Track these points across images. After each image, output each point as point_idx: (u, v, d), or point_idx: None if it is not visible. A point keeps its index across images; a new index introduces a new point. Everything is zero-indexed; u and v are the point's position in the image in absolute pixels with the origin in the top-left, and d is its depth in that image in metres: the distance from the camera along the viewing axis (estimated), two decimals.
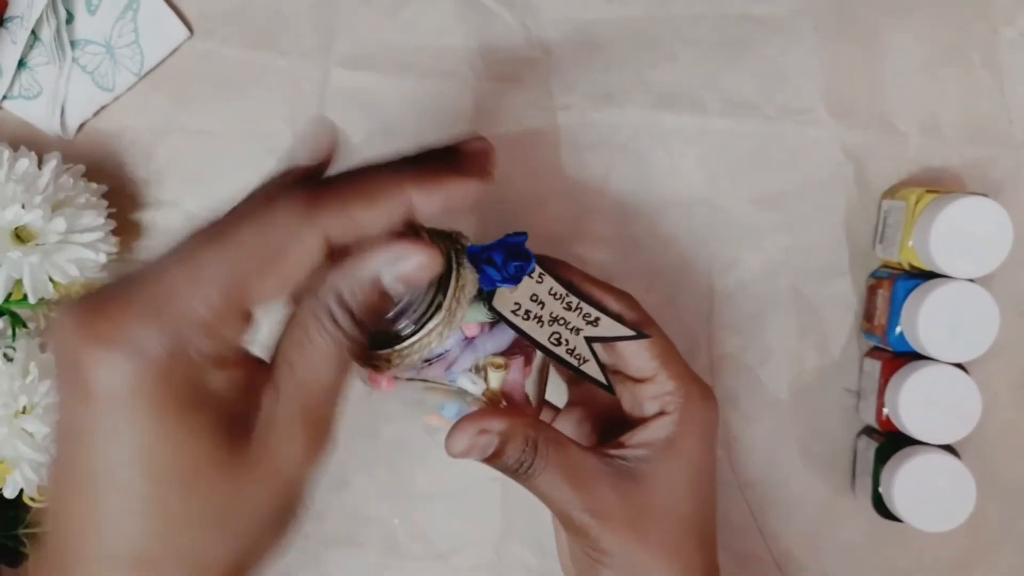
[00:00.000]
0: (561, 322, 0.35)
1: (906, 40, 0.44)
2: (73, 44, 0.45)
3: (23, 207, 0.39)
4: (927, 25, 0.44)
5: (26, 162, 0.41)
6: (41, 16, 0.44)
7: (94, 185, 0.43)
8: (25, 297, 0.41)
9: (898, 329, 0.42)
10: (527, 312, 0.35)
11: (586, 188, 0.46)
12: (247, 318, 0.25)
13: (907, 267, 0.42)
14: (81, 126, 0.46)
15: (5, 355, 0.42)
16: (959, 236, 0.39)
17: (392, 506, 0.47)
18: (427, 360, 0.34)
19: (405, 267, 0.27)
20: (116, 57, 0.45)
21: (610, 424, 0.38)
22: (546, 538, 0.46)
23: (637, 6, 0.45)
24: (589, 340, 0.35)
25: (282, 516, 0.27)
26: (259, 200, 0.26)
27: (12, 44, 0.44)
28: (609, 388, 0.35)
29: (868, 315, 0.44)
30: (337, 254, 0.26)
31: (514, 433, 0.33)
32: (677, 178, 0.45)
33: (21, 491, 0.42)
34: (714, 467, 0.37)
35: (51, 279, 0.41)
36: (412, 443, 0.47)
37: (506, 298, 0.34)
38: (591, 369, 0.35)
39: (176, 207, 0.46)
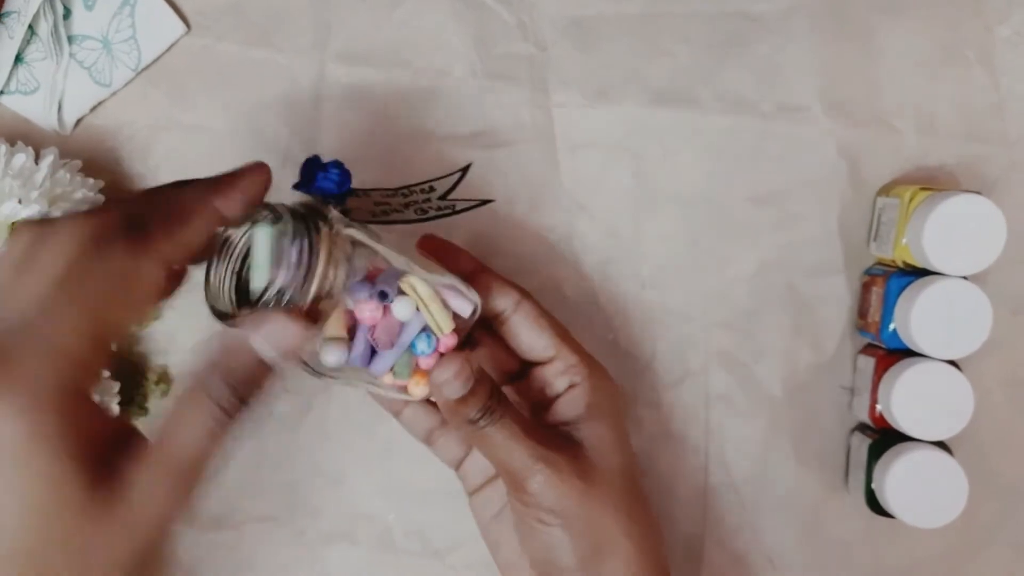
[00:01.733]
0: (412, 204, 0.39)
1: (901, 38, 0.44)
2: (70, 39, 0.45)
3: (20, 202, 0.39)
4: (922, 23, 0.44)
5: (23, 157, 0.41)
6: (38, 11, 0.44)
7: (91, 180, 0.43)
8: None
9: (892, 326, 0.42)
10: (383, 212, 0.37)
11: (582, 185, 0.46)
12: (104, 352, 0.29)
13: (901, 264, 0.43)
14: (78, 121, 0.46)
15: None
16: (953, 234, 0.40)
17: (388, 503, 0.47)
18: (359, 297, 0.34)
19: (276, 339, 0.30)
20: (113, 53, 0.45)
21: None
22: None
23: (633, 3, 0.45)
24: (440, 198, 0.39)
25: (135, 563, 0.29)
26: (91, 247, 0.29)
27: (9, 39, 0.44)
28: (487, 200, 0.39)
29: (862, 312, 0.45)
30: (173, 274, 0.31)
31: (484, 378, 0.36)
32: (673, 175, 0.45)
33: None
34: (627, 430, 0.40)
35: None
36: (408, 440, 0.47)
37: (360, 215, 0.37)
38: (463, 205, 0.38)
39: None
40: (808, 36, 0.45)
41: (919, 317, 0.40)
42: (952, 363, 0.41)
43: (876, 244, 0.44)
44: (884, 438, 0.43)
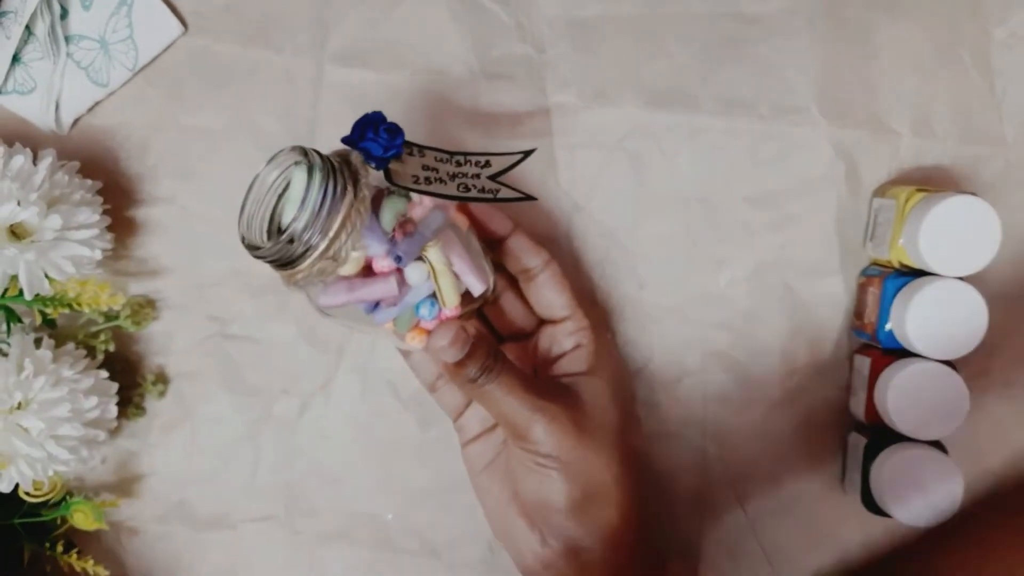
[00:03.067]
0: (460, 176, 0.38)
1: (898, 40, 0.45)
2: (67, 39, 0.45)
3: (18, 204, 0.39)
4: (919, 25, 0.45)
5: (21, 159, 0.41)
6: (35, 11, 0.44)
7: (89, 182, 0.43)
8: (21, 293, 0.41)
9: (888, 326, 0.42)
10: (427, 179, 0.37)
11: (579, 186, 0.46)
12: None
13: (897, 265, 0.43)
14: (75, 121, 0.46)
15: (0, 351, 0.42)
16: (948, 235, 0.40)
17: (386, 502, 0.47)
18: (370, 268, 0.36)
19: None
20: (110, 52, 0.45)
21: None
22: None
23: (631, 4, 0.45)
24: (491, 178, 0.39)
25: None
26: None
27: (6, 39, 0.44)
28: (530, 196, 0.39)
29: (858, 313, 0.45)
30: None
31: (482, 339, 0.38)
32: (670, 176, 0.45)
33: (16, 486, 0.42)
34: (625, 392, 0.43)
35: (47, 275, 0.41)
36: (406, 439, 0.47)
37: (403, 175, 0.36)
38: (507, 193, 0.38)
39: (171, 203, 0.47)
40: (805, 38, 0.45)
41: (915, 318, 0.40)
42: (948, 363, 0.41)
43: (872, 245, 0.44)
44: (880, 437, 0.43)
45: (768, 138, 0.45)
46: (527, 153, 0.40)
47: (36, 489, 0.43)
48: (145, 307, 0.46)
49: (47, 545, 0.45)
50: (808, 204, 0.45)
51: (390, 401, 0.47)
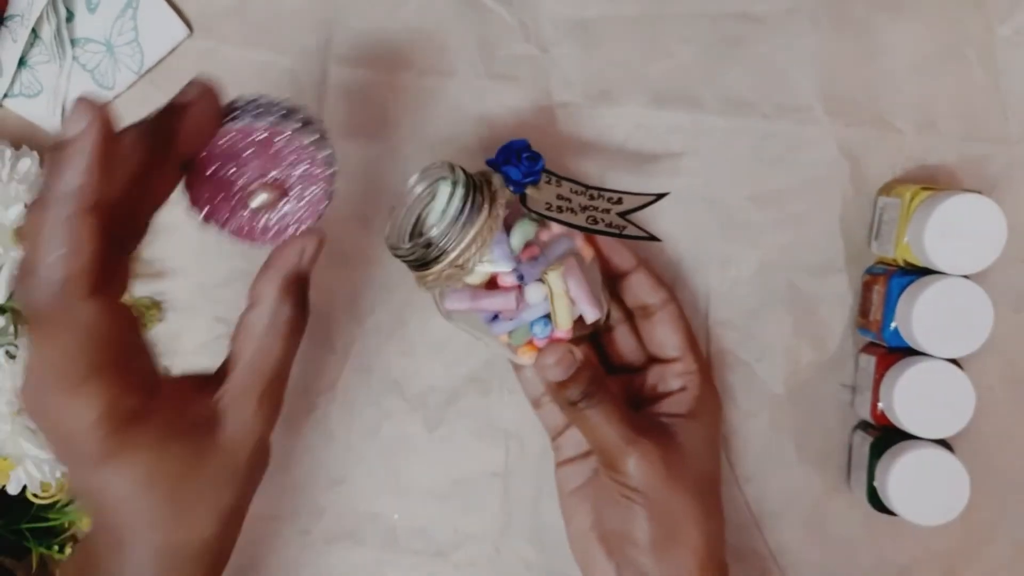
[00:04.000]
0: (591, 208, 0.40)
1: (902, 38, 0.45)
2: (73, 42, 0.45)
3: (26, 206, 0.40)
4: (923, 23, 0.45)
5: (28, 161, 0.41)
6: (41, 14, 0.44)
7: None
8: None
9: (893, 325, 0.42)
10: (559, 207, 0.39)
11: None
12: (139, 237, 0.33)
13: (902, 263, 0.43)
14: None
15: (7, 353, 0.42)
16: (953, 233, 0.40)
17: (392, 502, 0.47)
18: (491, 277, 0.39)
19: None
20: (116, 55, 0.45)
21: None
22: (546, 533, 0.46)
23: (635, 4, 0.45)
24: (621, 215, 0.40)
25: (253, 468, 0.35)
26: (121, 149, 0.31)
27: (13, 42, 0.44)
28: (654, 238, 0.40)
29: (863, 311, 0.45)
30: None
31: (587, 365, 0.39)
32: (675, 175, 0.45)
33: (24, 487, 0.42)
34: (721, 443, 0.44)
35: None
36: (412, 439, 0.47)
37: (537, 201, 0.39)
38: (633, 231, 0.39)
39: (176, 204, 0.47)
40: (809, 36, 0.45)
41: (920, 316, 0.40)
42: (953, 361, 0.41)
43: (877, 243, 0.44)
44: (886, 436, 0.43)
45: (772, 137, 0.45)
46: (660, 195, 0.40)
47: (44, 491, 0.43)
48: (151, 308, 0.47)
49: (55, 548, 0.45)
50: (813, 203, 0.45)
51: (396, 401, 0.47)
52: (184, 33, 0.46)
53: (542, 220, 0.39)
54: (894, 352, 0.43)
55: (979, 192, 0.40)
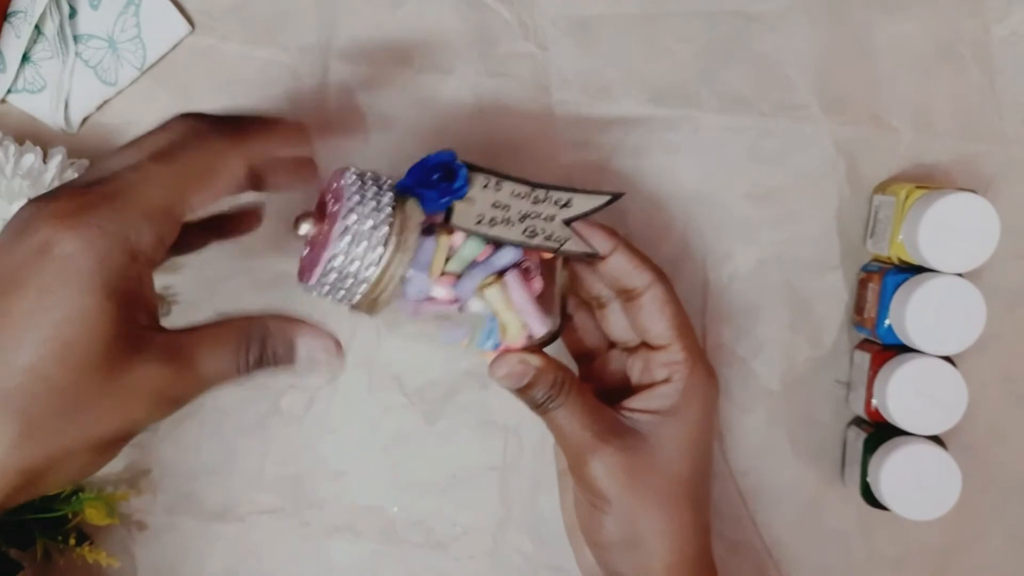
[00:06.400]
0: (532, 216, 0.36)
1: (899, 37, 0.45)
2: (76, 38, 0.46)
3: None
4: (920, 22, 0.45)
5: (32, 157, 0.41)
6: (44, 11, 0.44)
7: None
8: None
9: (887, 322, 0.42)
10: (492, 220, 0.36)
11: (582, 182, 0.46)
12: (178, 225, 0.32)
13: (897, 261, 0.43)
14: (84, 120, 0.47)
15: None
16: (947, 231, 0.40)
17: (391, 495, 0.47)
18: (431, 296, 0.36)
19: (317, 352, 0.34)
20: (119, 51, 0.46)
21: (616, 399, 0.40)
22: (543, 526, 0.47)
23: (633, 3, 0.45)
24: (566, 221, 0.37)
25: (161, 404, 0.31)
26: (190, 133, 0.32)
27: (16, 39, 0.45)
28: (595, 255, 0.37)
29: (858, 308, 0.45)
30: (254, 177, 0.34)
31: (547, 370, 0.37)
32: (672, 173, 0.46)
33: None
34: (712, 439, 0.40)
35: None
36: (411, 432, 0.47)
37: (467, 213, 0.36)
38: (572, 245, 0.37)
39: None
40: (807, 35, 0.45)
41: (914, 313, 0.41)
42: (947, 359, 0.42)
43: (872, 241, 0.45)
44: (879, 432, 0.43)
45: (769, 135, 0.45)
46: (615, 196, 0.37)
47: None
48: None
49: (59, 538, 0.45)
50: (809, 200, 0.45)
51: (396, 395, 0.47)
52: (186, 30, 0.46)
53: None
54: (888, 349, 0.43)
55: (972, 191, 0.40)
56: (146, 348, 0.30)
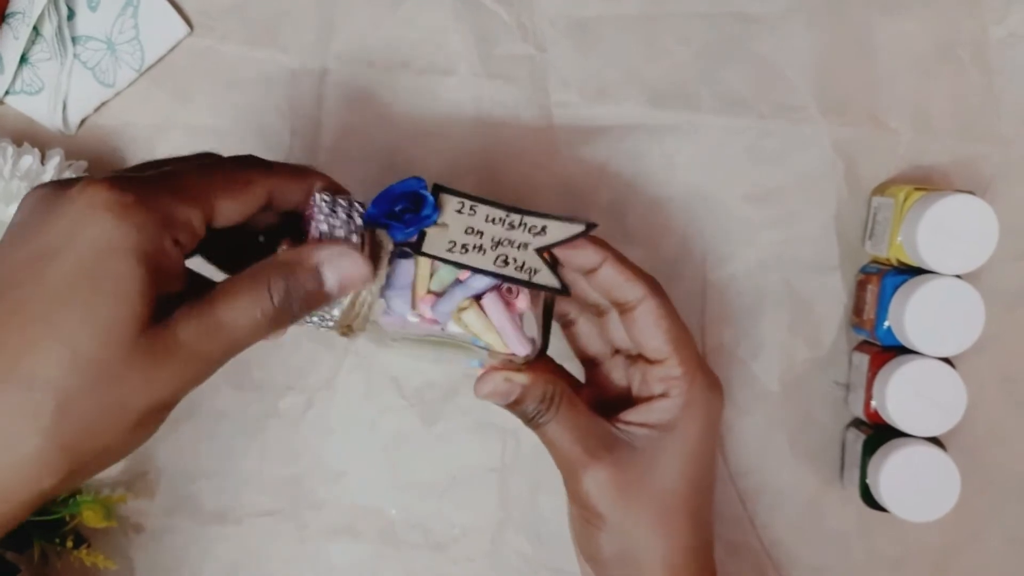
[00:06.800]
0: (505, 243, 0.36)
1: (898, 38, 0.45)
2: (74, 40, 0.46)
3: None
4: (918, 24, 0.45)
5: (29, 159, 0.41)
6: (43, 12, 0.44)
7: None
8: None
9: (886, 324, 0.42)
10: (464, 246, 0.35)
11: (581, 184, 0.46)
12: (206, 222, 0.32)
13: (895, 263, 0.43)
14: (82, 121, 0.47)
15: None
16: (946, 233, 0.40)
17: (390, 496, 0.47)
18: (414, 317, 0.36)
19: (345, 269, 0.33)
20: (117, 53, 0.46)
21: (620, 407, 0.39)
22: (542, 527, 0.47)
23: (632, 4, 0.45)
24: (539, 250, 0.36)
25: (195, 368, 0.32)
26: (216, 159, 0.35)
27: (14, 40, 0.45)
28: (564, 290, 0.36)
29: (857, 310, 0.45)
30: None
31: (534, 386, 0.37)
32: (671, 174, 0.46)
33: None
34: (713, 452, 0.39)
35: None
36: (409, 434, 0.47)
37: (440, 239, 0.35)
38: (543, 278, 0.35)
39: None
40: (805, 36, 0.45)
41: (913, 315, 0.41)
42: (945, 360, 0.42)
43: (871, 243, 0.45)
44: (878, 433, 0.43)
45: (768, 136, 0.45)
46: (589, 227, 0.36)
47: None
48: None
49: (57, 541, 0.45)
50: (808, 202, 0.46)
51: (394, 397, 0.47)
52: (184, 31, 0.46)
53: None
54: (887, 351, 0.43)
55: (971, 192, 0.40)
56: (176, 315, 0.30)
